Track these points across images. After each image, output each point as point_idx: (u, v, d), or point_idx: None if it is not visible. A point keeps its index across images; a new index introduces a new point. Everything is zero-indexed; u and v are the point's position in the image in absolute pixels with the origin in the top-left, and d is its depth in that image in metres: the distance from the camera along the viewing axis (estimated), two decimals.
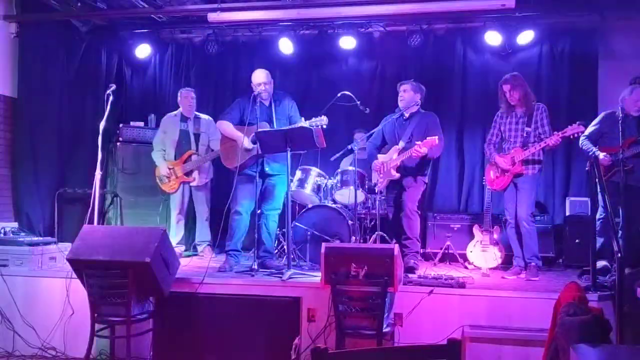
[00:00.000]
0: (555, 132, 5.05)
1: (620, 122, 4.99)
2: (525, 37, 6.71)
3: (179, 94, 6.44)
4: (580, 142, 5.37)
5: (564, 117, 6.21)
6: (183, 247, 6.41)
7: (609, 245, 4.91)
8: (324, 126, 5.17)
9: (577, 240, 5.97)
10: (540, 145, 5.10)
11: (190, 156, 6.26)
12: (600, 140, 5.35)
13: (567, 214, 6.44)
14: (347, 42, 7.06)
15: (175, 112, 6.43)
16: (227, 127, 5.44)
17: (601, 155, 5.16)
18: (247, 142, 5.24)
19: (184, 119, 6.37)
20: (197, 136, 6.36)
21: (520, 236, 5.29)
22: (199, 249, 6.41)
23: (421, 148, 5.20)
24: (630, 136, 5.13)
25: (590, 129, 5.37)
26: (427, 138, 5.21)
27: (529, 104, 5.27)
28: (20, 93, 6.54)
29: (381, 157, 5.66)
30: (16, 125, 6.52)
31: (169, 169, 6.21)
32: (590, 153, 5.22)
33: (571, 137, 5.03)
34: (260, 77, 5.46)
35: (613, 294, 4.12)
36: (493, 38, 6.73)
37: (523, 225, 5.21)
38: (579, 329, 3.15)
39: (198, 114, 6.46)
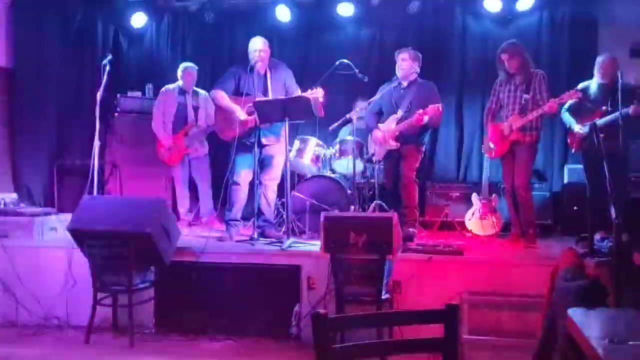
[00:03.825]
0: (552, 99, 5.03)
1: (593, 91, 5.07)
2: (525, 3, 6.64)
3: (181, 69, 6.29)
4: (561, 115, 5.39)
5: (563, 83, 6.15)
6: (191, 216, 6.46)
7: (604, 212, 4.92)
8: (320, 99, 5.12)
9: (575, 208, 5.97)
10: (537, 112, 5.08)
11: (191, 128, 6.25)
12: (579, 112, 5.36)
13: (565, 181, 6.45)
14: (346, 9, 6.97)
15: (173, 86, 6.35)
16: (222, 98, 5.37)
17: (576, 127, 5.23)
18: (242, 115, 5.21)
19: (182, 92, 6.33)
20: (195, 109, 6.33)
21: (517, 204, 5.31)
22: (203, 220, 6.43)
23: (424, 116, 5.18)
24: (602, 105, 5.17)
25: (570, 101, 5.34)
26: (430, 106, 5.18)
27: (527, 72, 5.23)
28: (16, 64, 6.49)
29: (380, 127, 5.62)
30: (13, 96, 6.49)
31: (172, 141, 6.22)
32: (568, 126, 5.32)
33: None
34: (258, 43, 5.38)
35: (610, 260, 4.15)
36: (493, 4, 6.64)
37: (519, 194, 5.22)
38: (576, 294, 3.18)
39: (196, 89, 6.40)
